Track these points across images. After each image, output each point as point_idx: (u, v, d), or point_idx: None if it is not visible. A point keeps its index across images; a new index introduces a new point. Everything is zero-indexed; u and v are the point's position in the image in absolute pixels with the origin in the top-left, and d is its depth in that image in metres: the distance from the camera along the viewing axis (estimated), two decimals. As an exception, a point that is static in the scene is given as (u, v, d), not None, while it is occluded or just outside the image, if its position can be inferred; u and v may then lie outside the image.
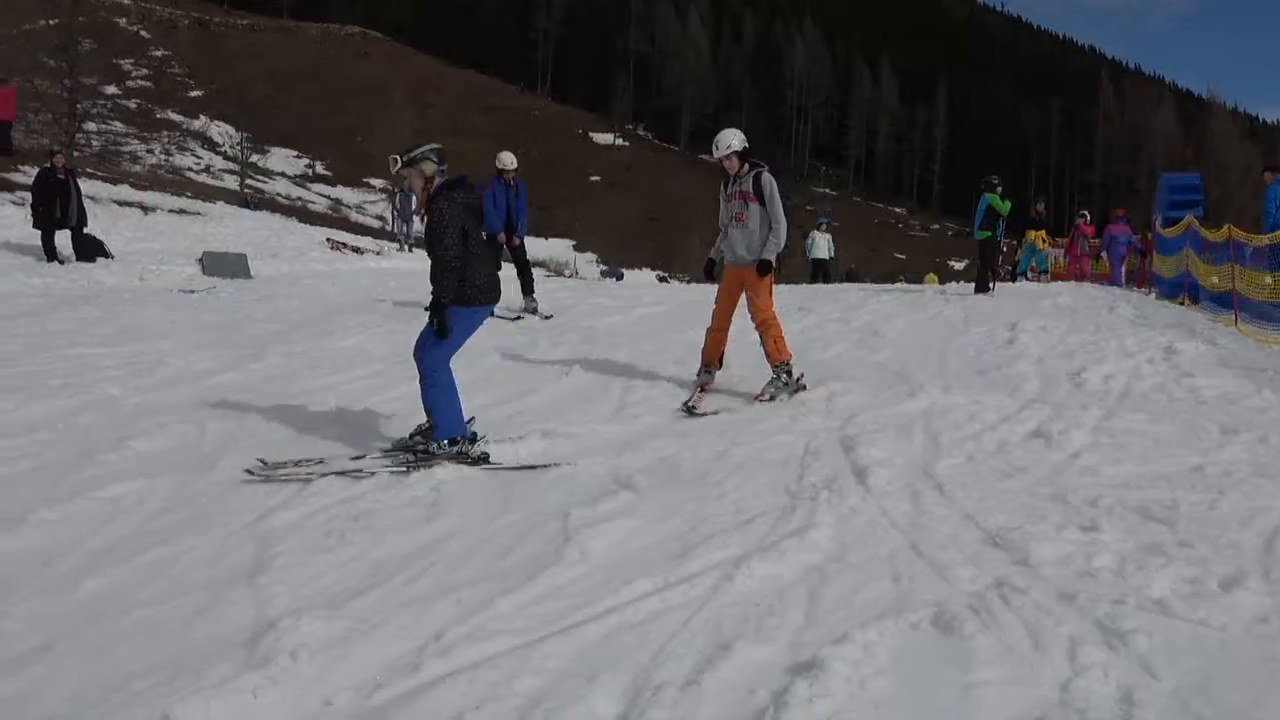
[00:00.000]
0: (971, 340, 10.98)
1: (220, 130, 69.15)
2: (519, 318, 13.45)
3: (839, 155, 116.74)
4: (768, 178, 8.26)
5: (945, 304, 14.55)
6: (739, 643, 3.80)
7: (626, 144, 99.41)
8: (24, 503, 5.61)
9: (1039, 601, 4.07)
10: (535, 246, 56.43)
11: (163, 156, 65.13)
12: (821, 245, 25.69)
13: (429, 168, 6.65)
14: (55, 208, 17.78)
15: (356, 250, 27.10)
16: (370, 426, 7.39)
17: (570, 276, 40.25)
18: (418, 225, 27.50)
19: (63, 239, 18.18)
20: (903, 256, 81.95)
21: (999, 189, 16.45)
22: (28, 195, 18.99)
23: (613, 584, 4.44)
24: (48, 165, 18.32)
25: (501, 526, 5.30)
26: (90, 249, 18.51)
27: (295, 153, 76.92)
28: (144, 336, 11.30)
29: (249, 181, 55.03)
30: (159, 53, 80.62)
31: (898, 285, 21.90)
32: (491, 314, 6.99)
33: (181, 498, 5.88)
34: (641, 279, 45.43)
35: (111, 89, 47.52)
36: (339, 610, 4.25)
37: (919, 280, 33.11)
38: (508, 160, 14.39)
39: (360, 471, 6.23)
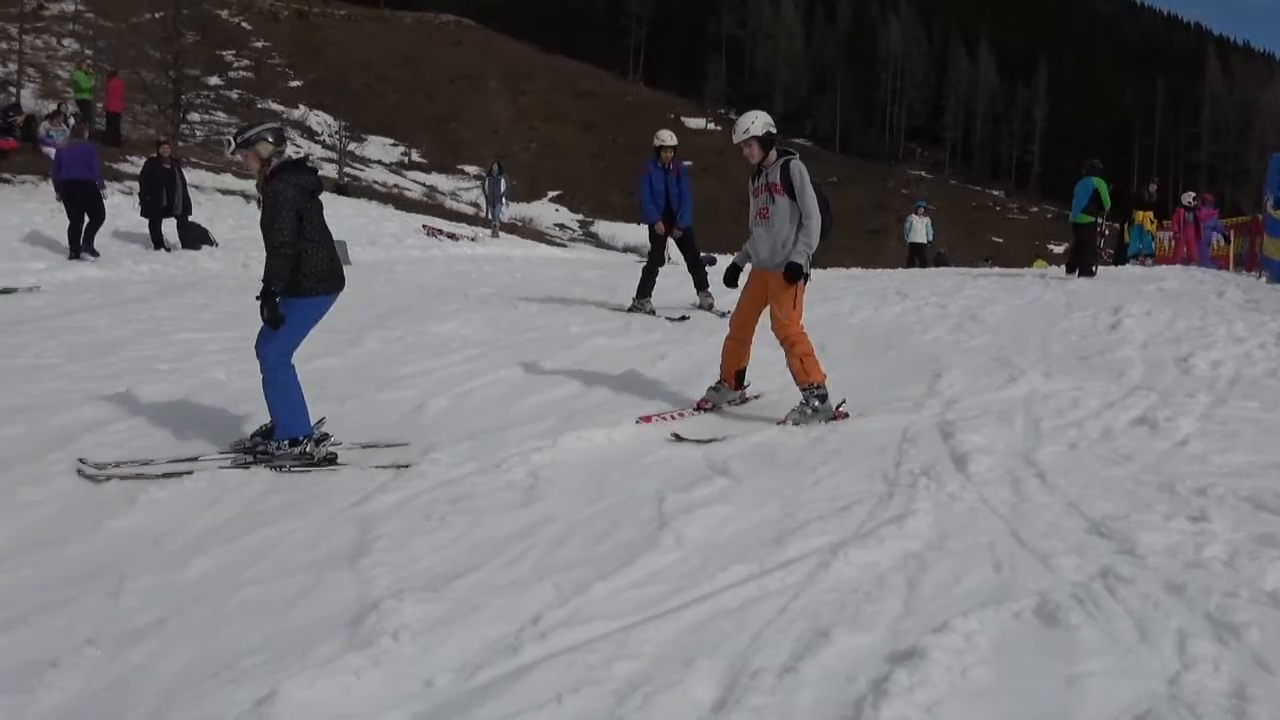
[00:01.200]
0: (1073, 325, 10.72)
1: (319, 119, 70.39)
2: (684, 318, 11.79)
3: (935, 137, 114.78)
4: (798, 165, 7.14)
5: (1045, 288, 14.25)
6: (837, 630, 3.76)
7: (718, 129, 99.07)
8: (135, 482, 5.79)
9: (1146, 592, 3.96)
10: (627, 233, 56.56)
11: (263, 146, 66.36)
12: (920, 229, 25.29)
13: (265, 149, 6.27)
14: (162, 197, 18.29)
15: (451, 236, 27.42)
16: (462, 411, 7.47)
17: (667, 262, 40.22)
18: (505, 208, 27.76)
19: (169, 227, 18.69)
20: (1000, 240, 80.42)
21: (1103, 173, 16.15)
22: (136, 185, 19.52)
23: (708, 570, 4.43)
24: (154, 155, 18.84)
25: (597, 511, 5.33)
26: (195, 237, 19.02)
27: (391, 140, 77.84)
28: (247, 322, 11.48)
29: (346, 169, 55.92)
30: (259, 43, 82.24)
31: (994, 269, 21.48)
32: (332, 304, 6.64)
33: (283, 480, 6.01)
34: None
35: (214, 80, 48.63)
36: (439, 592, 4.31)
37: (1011, 265, 32.41)
38: (666, 137, 12.45)
39: (190, 473, 5.99)
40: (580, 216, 69.38)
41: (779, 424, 6.94)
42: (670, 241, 12.88)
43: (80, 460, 6.12)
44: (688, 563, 4.56)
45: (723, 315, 10.76)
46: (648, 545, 4.77)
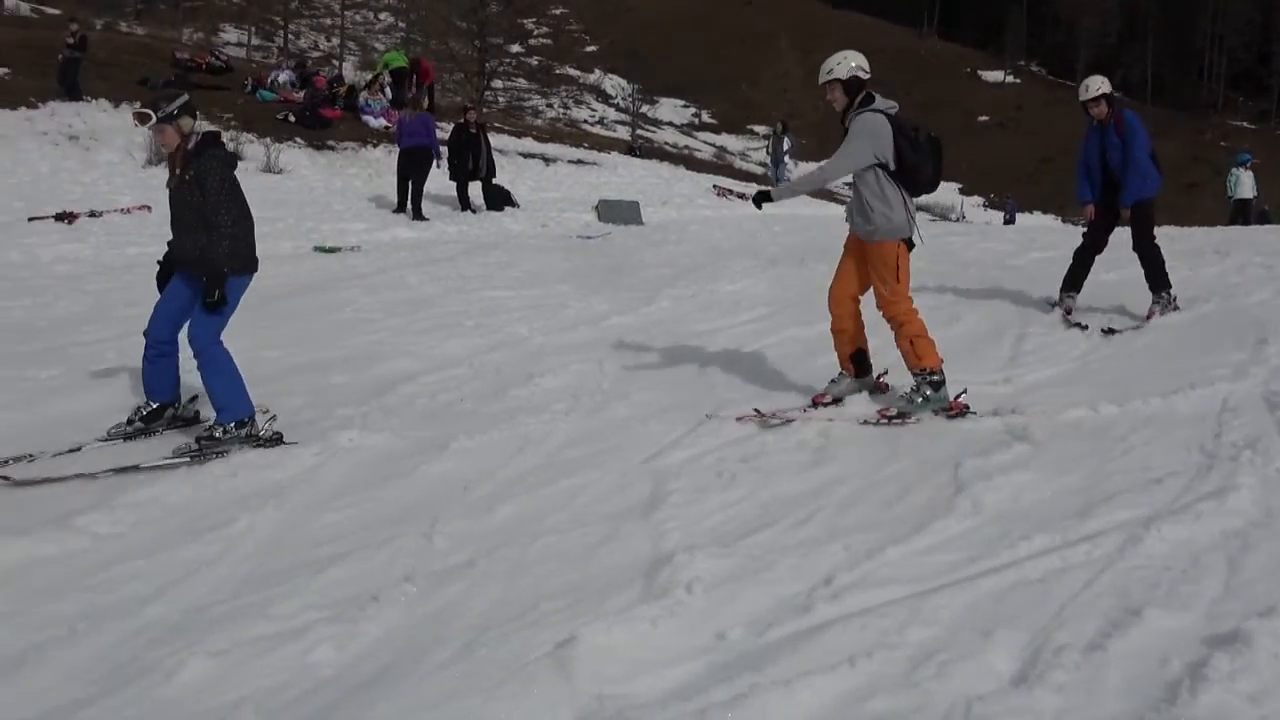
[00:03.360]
0: None
1: (613, 83, 72.08)
2: (1111, 330, 8.29)
3: (1260, 85, 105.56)
4: (863, 118, 6.17)
5: (1392, 247, 12.87)
6: (1149, 609, 3.55)
7: (1018, 81, 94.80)
8: (447, 432, 6.14)
9: None
10: (921, 190, 55.31)
11: (561, 110, 68.73)
12: (1246, 184, 23.32)
13: (187, 123, 5.87)
14: (468, 160, 19.18)
15: (741, 196, 27.46)
16: (756, 370, 7.48)
17: (957, 220, 38.99)
18: (789, 167, 27.53)
19: (475, 190, 19.61)
20: (1334, 195, 73.39)
21: None
22: (444, 150, 20.58)
23: (1008, 538, 4.28)
24: (461, 121, 19.76)
25: (889, 474, 5.24)
26: (499, 198, 19.88)
27: (682, 102, 78.86)
28: (547, 280, 12.01)
29: (639, 131, 57.04)
30: (558, 11, 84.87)
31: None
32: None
33: (582, 432, 6.22)
34: (1033, 223, 43.29)
35: (515, 48, 50.46)
36: (729, 548, 4.36)
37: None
38: (1092, 85, 8.78)
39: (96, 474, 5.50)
40: (870, 174, 68.06)
41: (880, 416, 6.22)
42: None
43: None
44: (985, 530, 4.43)
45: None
46: (943, 510, 4.65)
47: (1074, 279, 9.04)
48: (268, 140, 21.79)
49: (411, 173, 18.17)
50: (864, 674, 3.29)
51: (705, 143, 72.25)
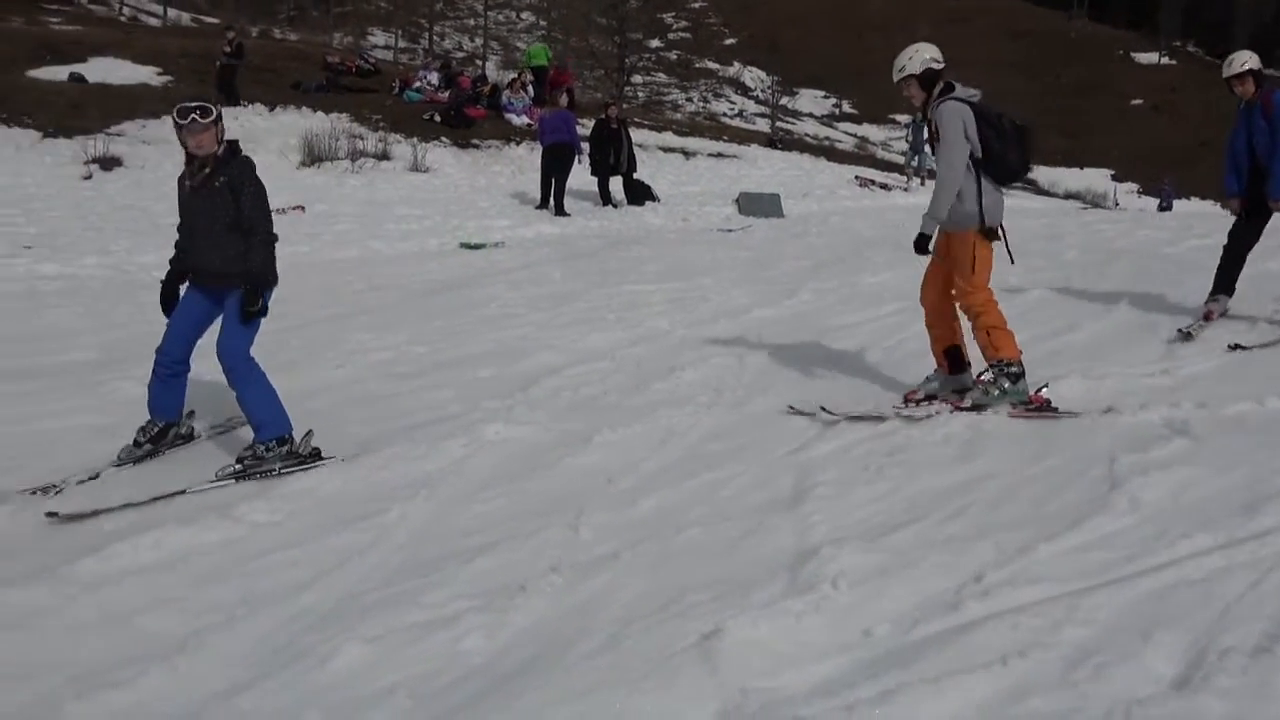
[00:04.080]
0: None
1: (752, 75, 71.76)
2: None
3: None
4: (946, 107, 5.94)
5: None
6: (1325, 613, 3.39)
7: (1173, 63, 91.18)
8: (590, 425, 6.19)
9: None
10: (1068, 178, 53.57)
11: (700, 104, 68.66)
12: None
13: (222, 129, 5.66)
14: (609, 156, 19.34)
15: (883, 186, 27.10)
16: (898, 363, 7.36)
17: (1111, 208, 37.70)
18: (930, 156, 27.04)
19: (616, 185, 19.76)
20: None
21: None
22: (585, 145, 20.79)
23: (1167, 537, 4.12)
24: (602, 117, 19.92)
25: (1041, 470, 5.09)
26: (640, 193, 20.00)
27: (822, 93, 77.97)
28: (687, 274, 12.02)
29: (779, 123, 56.65)
30: (697, 4, 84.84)
31: None
32: None
33: (724, 426, 6.21)
34: (1190, 209, 41.63)
35: (655, 42, 50.69)
36: (875, 543, 4.30)
37: None
38: (1236, 61, 7.96)
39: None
40: (1017, 162, 66.26)
41: (954, 408, 6.07)
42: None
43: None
44: (1143, 528, 4.27)
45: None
46: (1098, 507, 4.50)
47: (1223, 279, 8.16)
48: (414, 140, 22.34)
49: (554, 169, 18.42)
50: (1016, 674, 3.21)
51: (846, 133, 71.30)
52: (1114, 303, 8.84)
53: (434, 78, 27.15)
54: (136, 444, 5.82)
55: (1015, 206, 22.95)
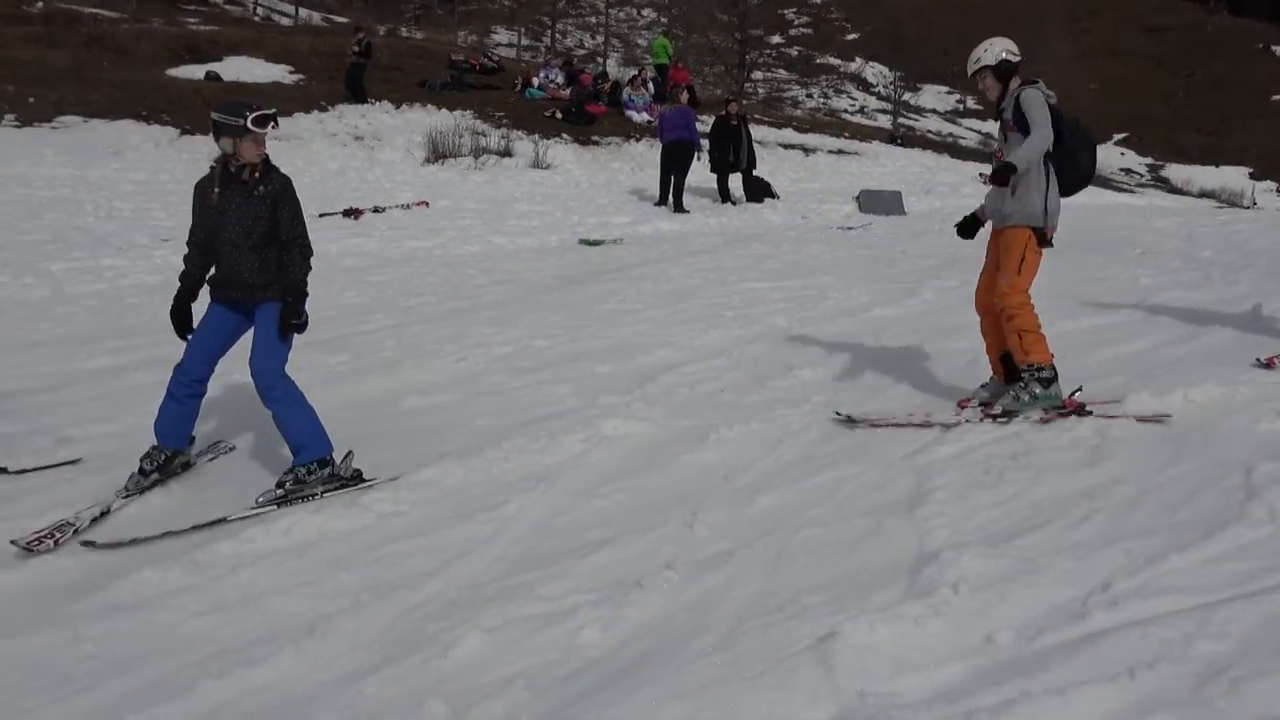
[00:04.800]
0: None
1: (874, 71, 70.85)
2: None
3: None
4: (1030, 93, 5.78)
5: None
6: None
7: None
8: (707, 422, 6.19)
9: None
10: (1203, 177, 51.76)
11: (821, 100, 68.06)
12: None
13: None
14: (729, 153, 19.30)
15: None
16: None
17: (1249, 208, 36.33)
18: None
19: (735, 182, 19.70)
20: None
21: None
22: (705, 142, 20.79)
23: (1309, 549, 3.96)
24: (722, 113, 19.89)
25: (1172, 476, 4.93)
26: (759, 190, 19.92)
27: (946, 88, 76.64)
28: (807, 272, 11.94)
29: (901, 119, 55.89)
30: (818, 0, 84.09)
31: None
32: None
33: (841, 429, 6.14)
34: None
35: (776, 38, 50.38)
36: (998, 548, 4.21)
37: None
38: None
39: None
40: (1149, 160, 64.21)
41: (985, 414, 5.96)
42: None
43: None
44: (1282, 539, 4.11)
45: None
46: (1234, 516, 4.35)
47: None
48: (536, 137, 22.61)
49: (673, 166, 18.45)
50: (1145, 687, 3.12)
51: (970, 129, 69.95)
52: (1248, 306, 8.52)
53: (556, 75, 27.40)
54: (143, 473, 5.40)
55: (1147, 204, 22.27)
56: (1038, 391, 5.91)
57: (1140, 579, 3.83)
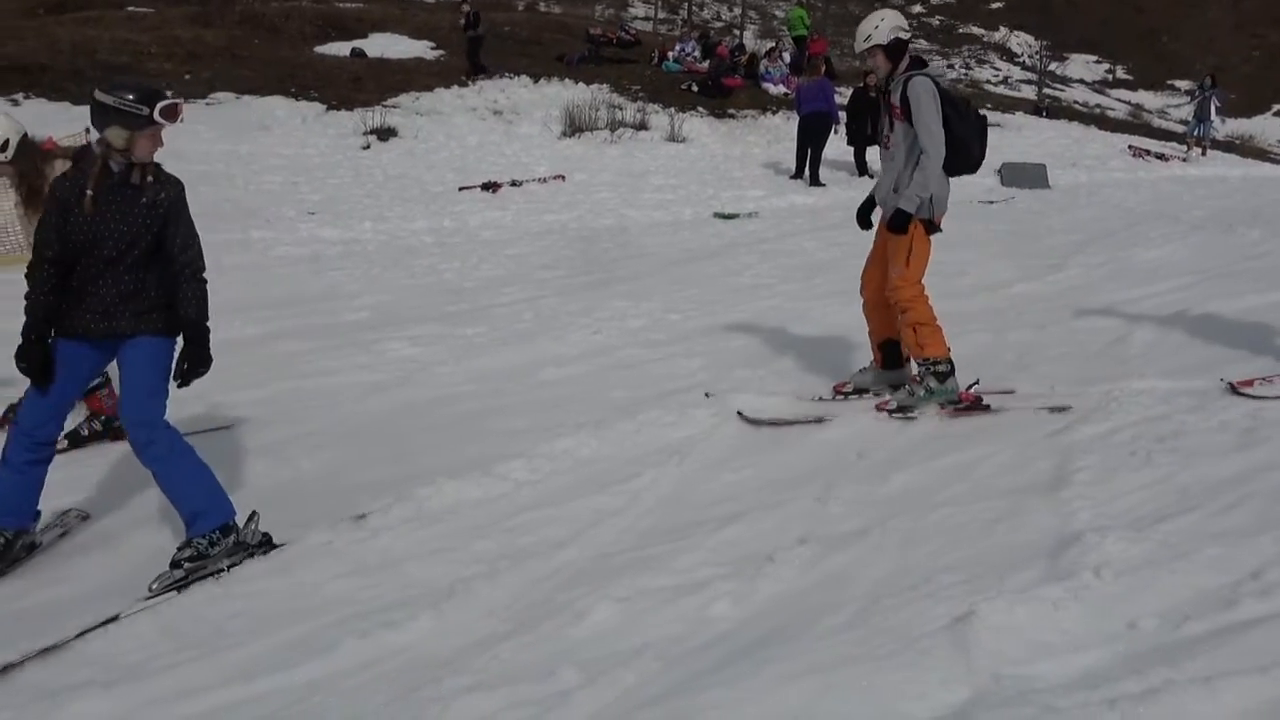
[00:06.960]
0: None
1: (1019, 40, 68.81)
2: None
3: None
4: (919, 82, 5.57)
5: None
6: None
7: None
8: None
9: None
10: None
11: (963, 70, 66.43)
12: None
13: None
14: (866, 125, 18.97)
15: (1160, 157, 25.53)
16: (1169, 344, 6.93)
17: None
18: (1216, 125, 25.35)
19: (872, 155, 19.37)
20: None
21: None
22: (843, 115, 20.49)
23: None
24: (861, 85, 19.56)
25: (1332, 463, 4.71)
26: (895, 164, 19.55)
27: (1095, 58, 74.05)
28: (947, 246, 11.59)
29: (1046, 90, 54.26)
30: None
31: None
32: None
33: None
34: None
35: (917, 8, 49.33)
36: (1143, 533, 4.07)
37: None
38: None
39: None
40: (1312, 130, 61.16)
41: (877, 409, 5.81)
42: None
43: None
44: None
45: None
46: (1400, 506, 4.13)
47: None
48: (671, 110, 22.55)
49: (810, 139, 18.25)
50: (1296, 679, 2.99)
51: (1119, 100, 67.45)
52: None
53: (693, 48, 27.29)
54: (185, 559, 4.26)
55: (1243, 175, 21.03)
56: (934, 386, 5.79)
57: (1294, 568, 3.66)
